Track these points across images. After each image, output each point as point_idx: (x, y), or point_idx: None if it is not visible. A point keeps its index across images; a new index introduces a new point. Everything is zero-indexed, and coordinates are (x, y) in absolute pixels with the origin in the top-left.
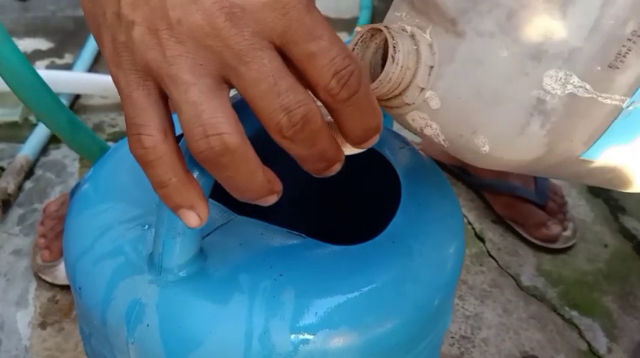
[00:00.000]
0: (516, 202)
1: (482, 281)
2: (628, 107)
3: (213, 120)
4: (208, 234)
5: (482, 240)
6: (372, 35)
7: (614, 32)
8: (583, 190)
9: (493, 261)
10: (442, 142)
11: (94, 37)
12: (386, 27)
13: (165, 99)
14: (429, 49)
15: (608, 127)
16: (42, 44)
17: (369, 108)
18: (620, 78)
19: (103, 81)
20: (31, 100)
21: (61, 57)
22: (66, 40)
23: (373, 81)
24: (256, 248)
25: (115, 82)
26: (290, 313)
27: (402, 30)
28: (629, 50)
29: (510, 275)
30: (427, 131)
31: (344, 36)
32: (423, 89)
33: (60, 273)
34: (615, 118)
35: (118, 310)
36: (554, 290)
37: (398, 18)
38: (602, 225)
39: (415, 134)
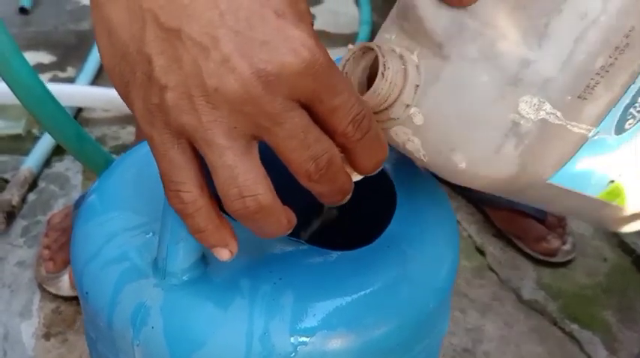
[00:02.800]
0: (516, 216)
1: (483, 294)
2: (593, 136)
3: (247, 182)
4: None
5: (482, 253)
6: (364, 53)
7: (584, 66)
8: None
9: (494, 274)
10: (422, 157)
11: (119, 93)
12: (377, 46)
13: (197, 154)
14: (416, 69)
15: (574, 154)
16: (44, 58)
17: (378, 143)
18: (588, 108)
19: (106, 94)
20: (39, 113)
21: (63, 70)
22: (68, 54)
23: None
24: (256, 253)
25: (149, 139)
26: (289, 315)
27: (392, 50)
28: (597, 83)
29: (511, 289)
30: (409, 146)
31: (343, 51)
32: (408, 106)
33: (64, 284)
34: (581, 146)
35: (123, 313)
36: (554, 303)
37: (387, 40)
38: (601, 240)
39: (396, 149)
